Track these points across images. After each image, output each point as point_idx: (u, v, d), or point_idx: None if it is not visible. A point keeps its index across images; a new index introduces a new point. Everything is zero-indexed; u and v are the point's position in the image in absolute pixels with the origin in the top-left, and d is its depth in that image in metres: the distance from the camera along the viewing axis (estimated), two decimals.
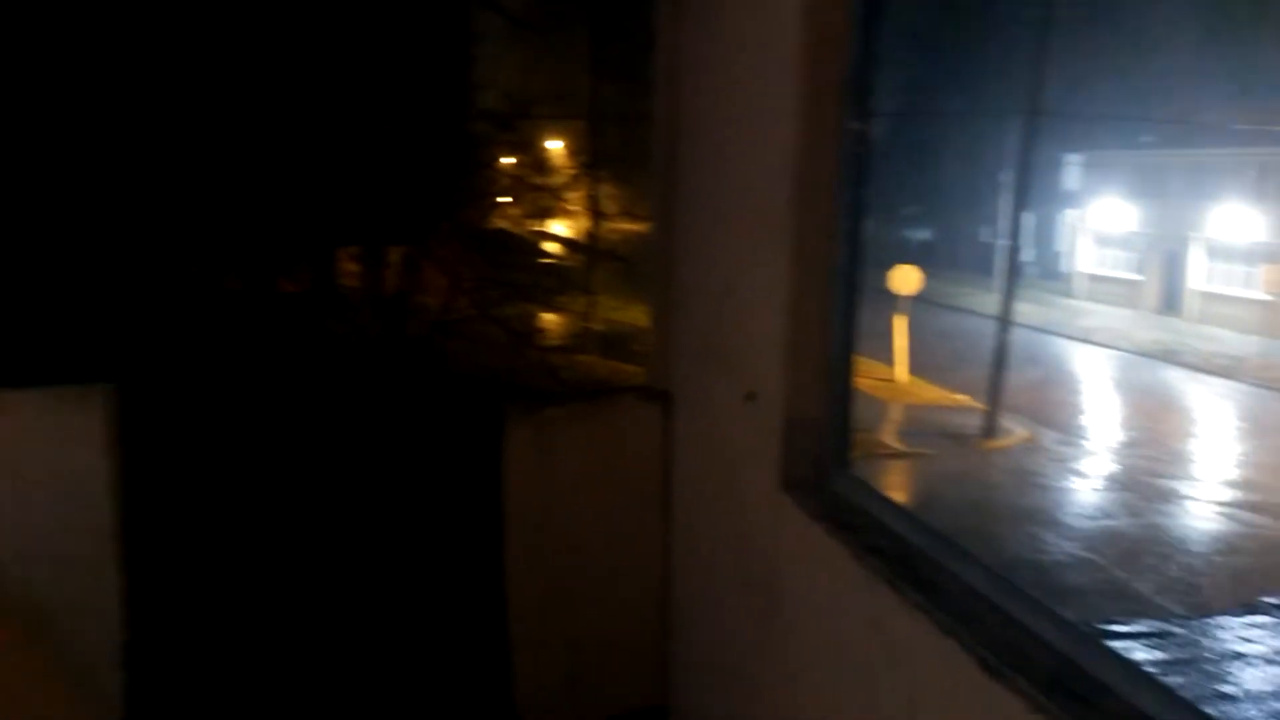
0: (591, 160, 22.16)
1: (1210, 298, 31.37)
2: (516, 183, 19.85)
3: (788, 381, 2.39)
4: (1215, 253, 31.49)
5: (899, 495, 15.66)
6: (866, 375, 21.18)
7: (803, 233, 2.35)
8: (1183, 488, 15.52)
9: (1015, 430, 18.13)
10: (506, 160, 22.58)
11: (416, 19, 11.26)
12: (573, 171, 24.04)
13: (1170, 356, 26.17)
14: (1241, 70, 34.81)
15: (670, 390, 3.21)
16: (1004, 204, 34.82)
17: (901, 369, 21.72)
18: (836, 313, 2.39)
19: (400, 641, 3.08)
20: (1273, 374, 23.51)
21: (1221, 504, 14.74)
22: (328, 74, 10.87)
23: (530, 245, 24.66)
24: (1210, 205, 31.34)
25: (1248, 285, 29.84)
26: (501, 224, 21.62)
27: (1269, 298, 27.52)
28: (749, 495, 2.57)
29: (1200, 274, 31.95)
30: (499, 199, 19.91)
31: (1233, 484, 15.79)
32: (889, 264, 23.11)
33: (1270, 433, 18.97)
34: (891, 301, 21.54)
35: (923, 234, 47.70)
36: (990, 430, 17.93)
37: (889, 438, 17.83)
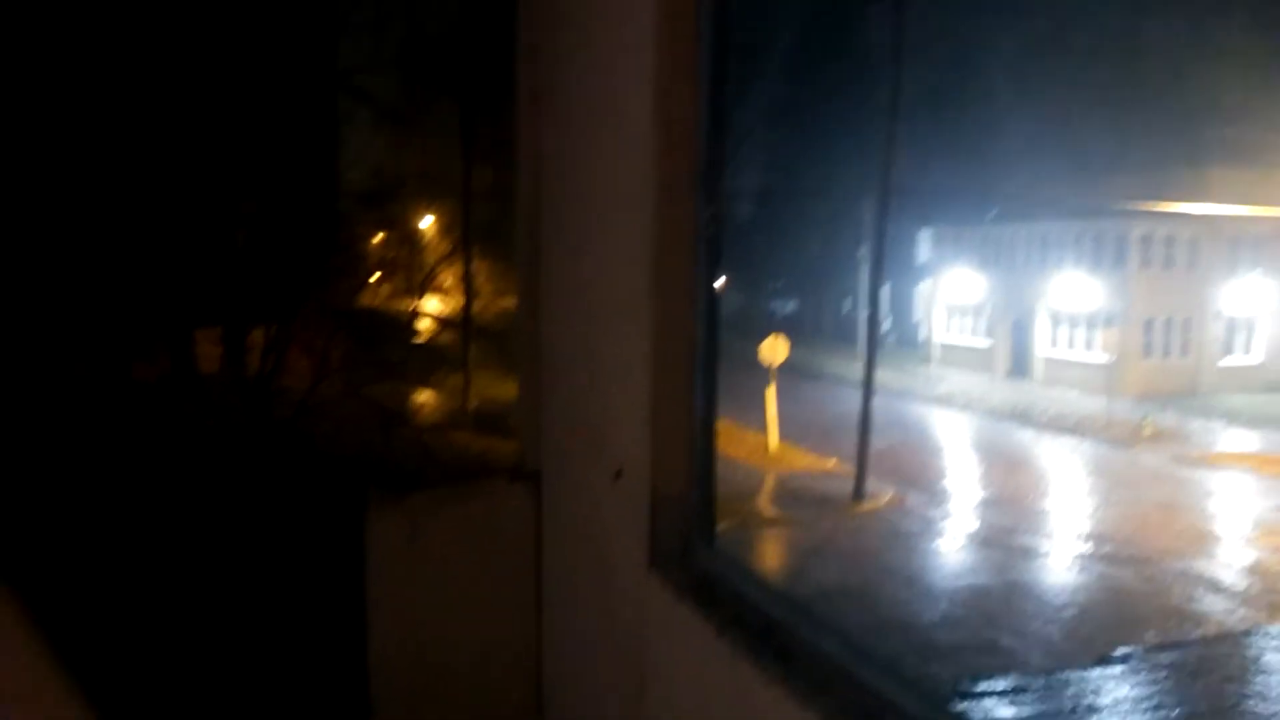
0: (464, 238, 22.15)
1: (1055, 361, 33.37)
2: (387, 261, 19.64)
3: (653, 458, 2.43)
4: (1058, 319, 33.59)
5: (774, 562, 15.89)
6: (740, 444, 21.59)
7: (662, 313, 2.43)
8: (1040, 543, 16.27)
9: (883, 493, 18.72)
10: (377, 239, 22.36)
11: (281, 102, 11.14)
12: (445, 249, 23.97)
13: (1022, 417, 27.61)
14: (1076, 149, 37.71)
15: (540, 469, 3.21)
16: (863, 276, 36.43)
17: (773, 437, 22.22)
18: (697, 390, 2.46)
19: None
20: (1115, 432, 25.07)
21: (1076, 557, 15.51)
22: (186, 153, 10.60)
23: (402, 323, 24.33)
24: (1052, 274, 33.52)
25: (1089, 349, 31.90)
26: (371, 302, 21.31)
27: (1109, 360, 29.45)
28: (617, 573, 2.58)
29: (1045, 339, 33.99)
30: (369, 277, 19.64)
31: (1085, 537, 16.65)
32: (758, 335, 23.79)
33: (1116, 487, 20.15)
34: (762, 371, 22.11)
35: (789, 306, 49.33)
36: (859, 494, 18.46)
37: (763, 505, 18.14)
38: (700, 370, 2.45)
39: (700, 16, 2.36)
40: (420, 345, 24.36)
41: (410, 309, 25.20)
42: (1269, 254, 31.51)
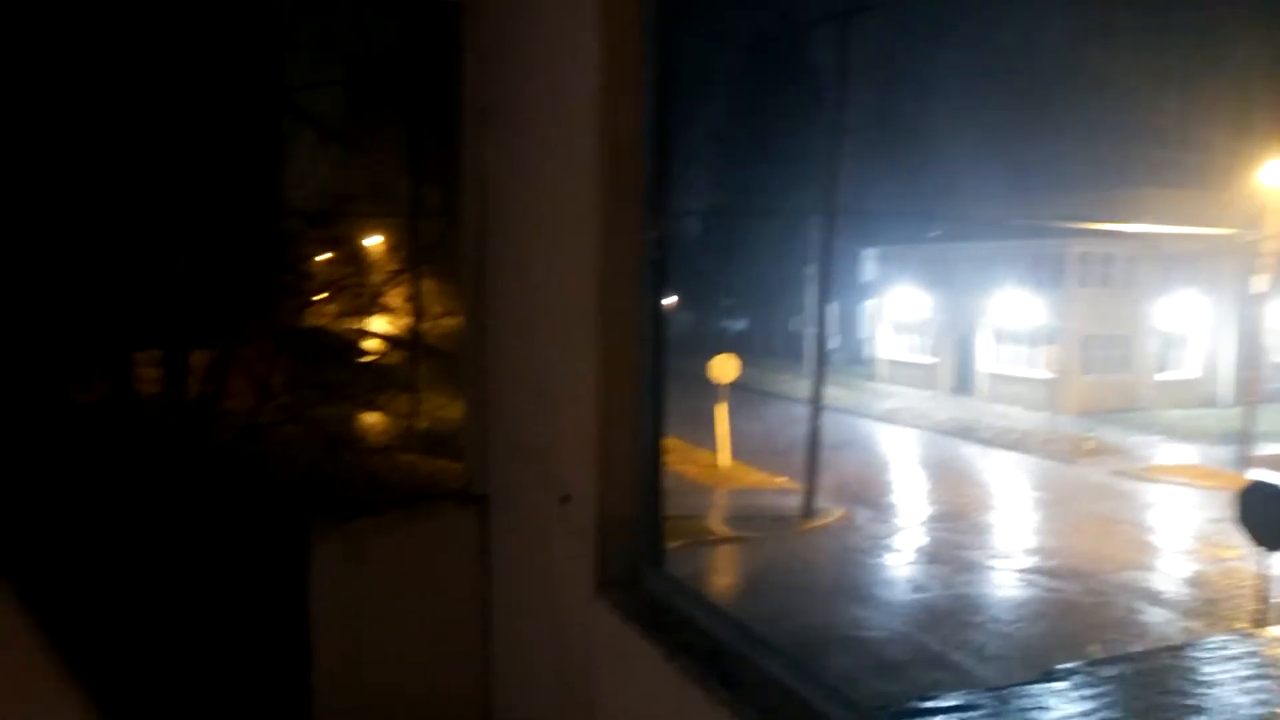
0: (412, 257, 21.95)
1: (997, 378, 33.98)
2: (333, 280, 19.40)
3: (600, 482, 2.42)
4: (1001, 336, 34.23)
5: (724, 581, 15.90)
6: (691, 462, 21.63)
7: (608, 336, 2.42)
8: (986, 558, 16.49)
9: (832, 509, 18.85)
10: (322, 258, 22.05)
11: (223, 120, 10.97)
12: (393, 268, 23.73)
13: (966, 434, 28.03)
14: (1014, 170, 38.64)
15: (487, 493, 3.18)
16: (810, 295, 36.80)
17: (724, 455, 22.29)
18: (645, 413, 2.45)
19: None
20: (1057, 447, 25.56)
21: (1021, 571, 15.75)
22: (123, 170, 10.38)
23: (348, 343, 24.01)
24: (994, 293, 34.18)
25: (1031, 365, 32.54)
26: (317, 322, 21.00)
27: (1050, 376, 30.05)
28: (565, 598, 2.56)
29: (989, 356, 34.61)
30: (314, 297, 19.36)
31: (1030, 551, 16.92)
32: (709, 353, 23.90)
33: (1059, 501, 20.53)
34: (713, 389, 22.20)
35: (739, 324, 49.70)
36: (809, 511, 18.58)
37: (714, 523, 18.16)
38: (647, 393, 2.44)
39: (645, 39, 2.37)
40: (368, 365, 24.05)
41: (357, 329, 24.90)
42: (1201, 272, 32.46)
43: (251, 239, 12.06)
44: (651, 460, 2.45)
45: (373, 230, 26.83)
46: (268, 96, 11.60)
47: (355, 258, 22.22)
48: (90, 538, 2.92)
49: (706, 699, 1.84)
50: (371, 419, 21.23)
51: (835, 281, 21.75)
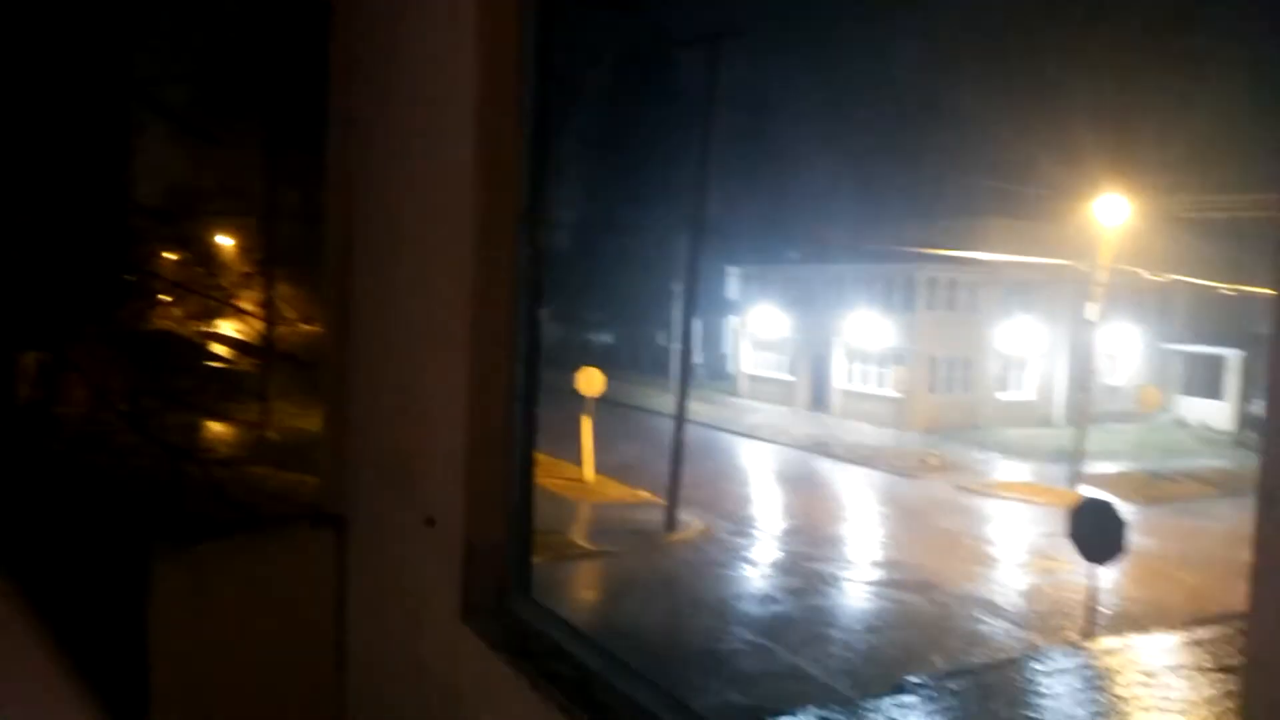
0: (267, 259, 21.09)
1: (850, 395, 35.27)
2: (181, 282, 18.44)
3: (468, 505, 2.34)
4: (854, 356, 35.54)
5: (587, 597, 15.87)
6: (556, 476, 21.53)
7: (480, 353, 2.35)
8: (838, 570, 17.03)
9: (693, 523, 19.10)
10: (170, 258, 20.96)
11: (62, 105, 10.26)
12: (245, 270, 22.77)
13: (821, 449, 28.94)
14: (870, 196, 40.28)
15: (345, 514, 3.04)
16: (677, 311, 37.31)
17: (588, 469, 22.29)
18: (515, 434, 2.39)
19: None
20: (904, 463, 26.68)
21: (870, 583, 16.33)
22: None
23: (196, 348, 22.85)
24: (848, 314, 35.48)
25: (881, 384, 33.89)
26: (163, 326, 19.89)
27: (899, 395, 31.36)
28: (429, 626, 2.47)
29: (842, 375, 35.88)
30: (160, 299, 18.35)
31: (878, 564, 17.57)
32: (575, 366, 23.89)
33: (906, 516, 21.41)
34: (578, 403, 22.18)
35: (606, 338, 49.93)
36: (671, 524, 18.77)
37: (578, 537, 18.11)
38: (520, 412, 2.38)
39: (523, 53, 2.32)
40: (216, 372, 22.94)
41: (206, 333, 23.73)
42: (1039, 299, 34.57)
43: (92, 234, 11.33)
44: (522, 483, 2.39)
45: (226, 230, 25.67)
46: (114, 84, 10.92)
47: (206, 259, 21.22)
48: None
49: None
50: (219, 429, 20.27)
51: (700, 298, 22.09)
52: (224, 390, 19.39)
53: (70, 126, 10.36)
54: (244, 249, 24.82)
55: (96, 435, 10.98)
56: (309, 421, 18.80)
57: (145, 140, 13.47)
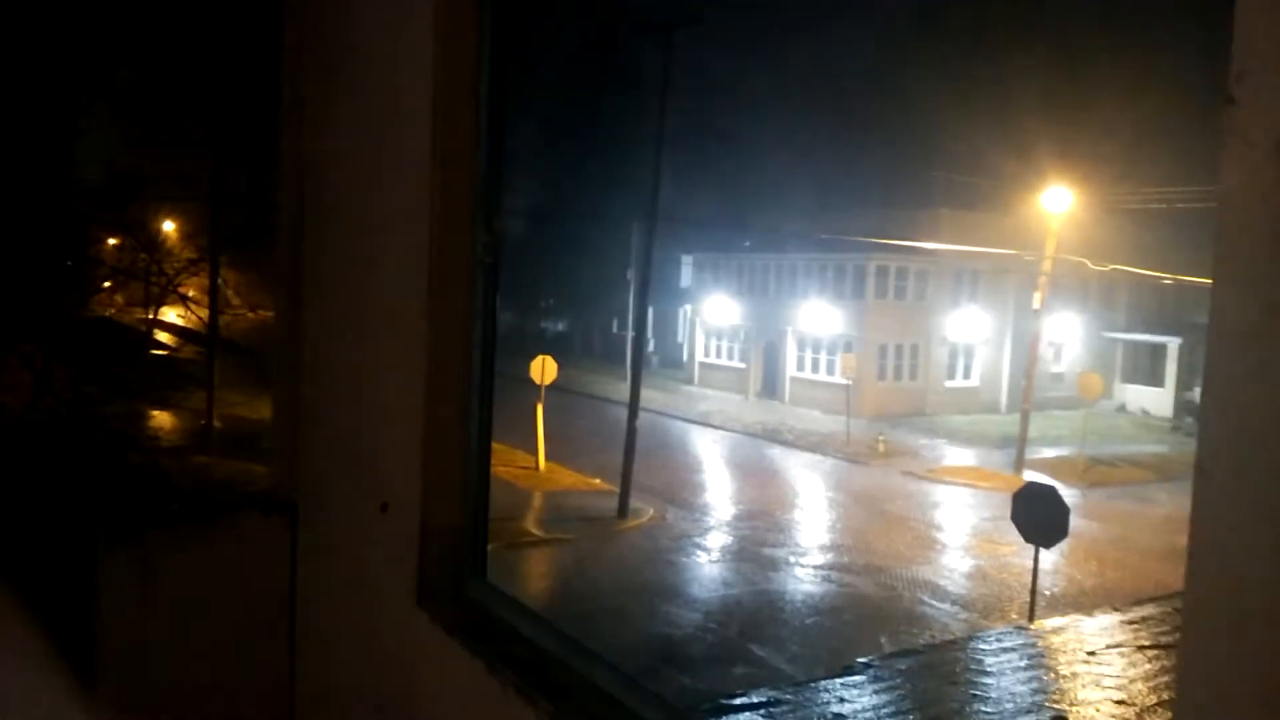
0: (213, 245, 20.69)
1: (801, 382, 35.60)
2: (124, 267, 18.04)
3: (423, 490, 2.35)
4: (804, 343, 35.86)
5: (540, 584, 15.88)
6: (509, 464, 21.48)
7: (437, 340, 2.36)
8: (787, 554, 17.23)
9: (645, 510, 19.19)
10: (113, 243, 20.48)
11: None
12: (190, 256, 22.32)
13: (772, 436, 29.21)
14: (822, 185, 40.62)
15: (297, 501, 3.02)
16: (630, 298, 37.35)
17: (541, 457, 22.27)
18: (471, 419, 2.40)
19: None
20: (852, 449, 27.03)
21: (818, 567, 16.56)
22: None
23: (140, 336, 22.37)
24: (799, 302, 35.78)
25: (830, 372, 34.26)
26: (104, 312, 19.45)
27: (846, 382, 31.72)
28: (384, 612, 2.47)
29: (793, 362, 36.20)
30: (102, 284, 17.94)
31: (826, 548, 17.82)
32: (529, 354, 23.82)
33: (854, 501, 21.71)
34: (531, 390, 22.14)
35: (559, 325, 49.82)
36: (623, 511, 18.84)
37: (531, 525, 18.11)
38: (476, 399, 2.39)
39: (481, 41, 2.33)
40: (161, 360, 22.50)
41: (150, 320, 23.24)
42: (986, 288, 35.15)
43: (33, 218, 11.04)
44: (479, 469, 2.41)
45: (172, 215, 25.14)
46: (57, 64, 10.63)
47: (150, 244, 20.77)
48: None
49: (530, 711, 1.82)
50: (164, 417, 19.90)
51: (655, 286, 22.15)
52: (168, 378, 19.03)
53: (9, 108, 10.08)
54: (189, 234, 24.33)
55: (39, 424, 10.73)
56: (255, 410, 18.54)
57: (89, 122, 13.14)
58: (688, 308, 42.14)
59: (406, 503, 2.38)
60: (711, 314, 39.79)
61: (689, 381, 40.08)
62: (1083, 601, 14.33)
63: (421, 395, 2.35)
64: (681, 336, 43.51)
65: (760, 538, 18.07)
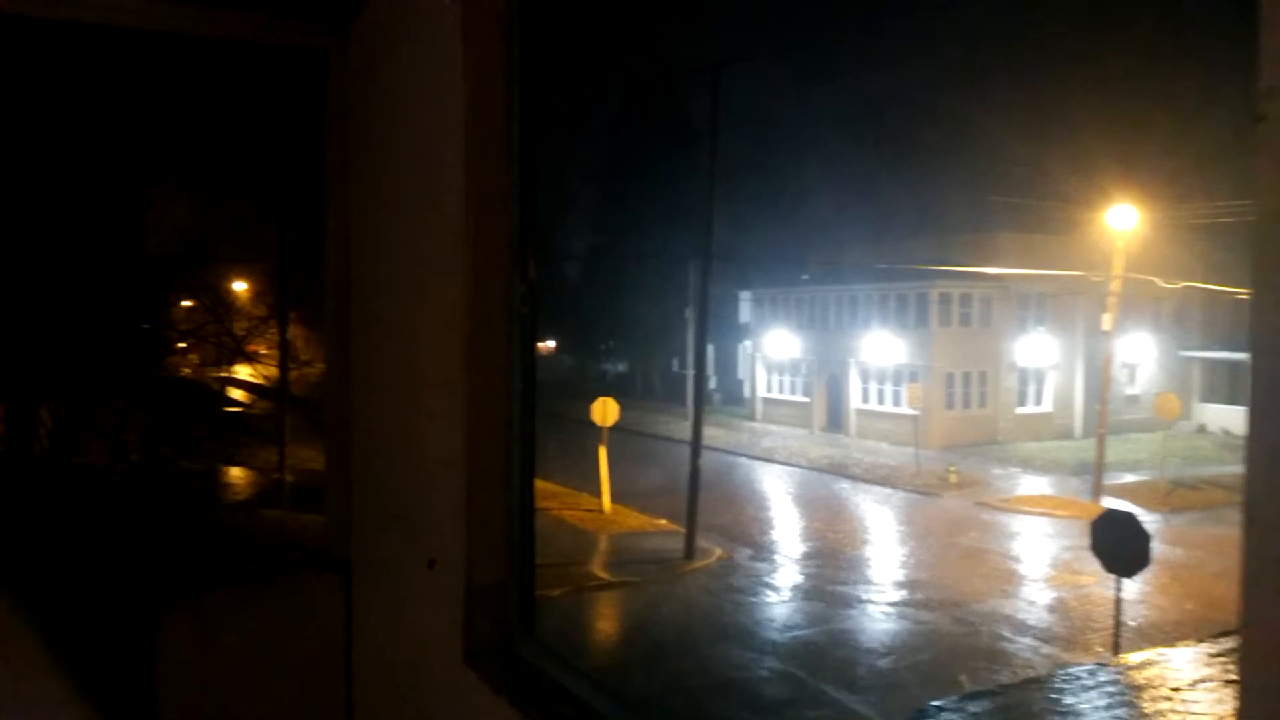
0: (280, 303, 21.24)
1: (866, 414, 35.08)
2: (196, 328, 18.58)
3: (469, 546, 2.33)
4: (868, 375, 35.39)
5: (607, 627, 15.77)
6: (575, 507, 21.49)
7: (477, 392, 2.35)
8: (860, 592, 16.86)
9: (713, 550, 18.98)
10: (184, 305, 21.13)
11: (71, 163, 10.41)
12: (260, 314, 22.93)
13: (839, 469, 28.77)
14: (880, 215, 40.36)
15: (351, 557, 3.04)
16: (689, 337, 37.33)
17: (606, 499, 22.22)
18: (514, 474, 2.38)
19: None
20: (922, 480, 26.48)
21: (893, 604, 16.16)
22: None
23: (212, 394, 23.00)
24: (861, 333, 35.38)
25: (895, 403, 33.72)
26: (178, 373, 20.04)
27: (913, 412, 31.18)
28: (432, 668, 2.45)
29: (857, 394, 35.72)
30: (176, 347, 18.50)
31: (900, 584, 17.39)
32: (590, 397, 23.88)
33: (926, 534, 21.22)
34: (594, 432, 22.16)
35: (620, 367, 49.97)
36: (690, 552, 18.65)
37: (598, 568, 18.03)
38: (517, 451, 2.38)
39: (511, 95, 2.35)
40: (232, 417, 23.05)
41: (221, 378, 23.88)
42: (1054, 311, 34.40)
43: (106, 287, 11.45)
44: (522, 521, 2.39)
45: (240, 277, 25.93)
46: (124, 142, 11.09)
47: (220, 305, 21.38)
48: None
49: None
50: (236, 474, 20.34)
51: (713, 324, 22.13)
52: (239, 435, 19.46)
53: (83, 184, 10.51)
54: (257, 294, 25.05)
55: (113, 486, 11.04)
56: (323, 463, 18.81)
57: (158, 192, 13.64)
58: (747, 343, 41.96)
59: (452, 558, 2.37)
60: (772, 349, 39.55)
61: (751, 418, 39.77)
62: (1169, 633, 13.74)
63: (462, 447, 2.34)
64: (742, 373, 43.29)
65: (831, 575, 17.73)
